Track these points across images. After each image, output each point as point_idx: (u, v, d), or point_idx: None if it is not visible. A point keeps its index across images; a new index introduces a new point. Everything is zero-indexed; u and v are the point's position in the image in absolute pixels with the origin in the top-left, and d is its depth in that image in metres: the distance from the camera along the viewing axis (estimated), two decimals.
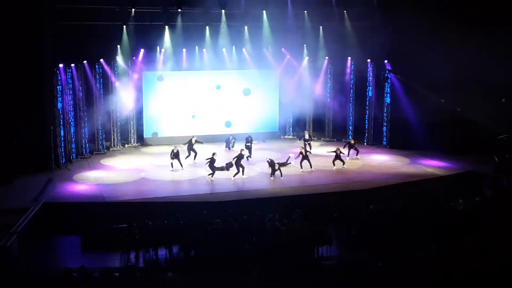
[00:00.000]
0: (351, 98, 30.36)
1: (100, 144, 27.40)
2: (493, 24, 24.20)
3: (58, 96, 24.28)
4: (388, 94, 28.37)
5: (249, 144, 26.13)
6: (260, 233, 16.39)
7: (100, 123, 27.28)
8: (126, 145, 28.53)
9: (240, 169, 22.83)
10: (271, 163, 23.19)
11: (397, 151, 27.37)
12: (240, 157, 23.18)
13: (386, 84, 28.29)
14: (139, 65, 28.07)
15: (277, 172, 22.98)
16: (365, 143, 29.45)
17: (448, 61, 24.53)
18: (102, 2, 25.69)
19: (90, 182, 22.28)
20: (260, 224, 16.98)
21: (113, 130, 28.05)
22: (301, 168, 23.97)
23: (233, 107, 30.00)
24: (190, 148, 25.30)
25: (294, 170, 23.89)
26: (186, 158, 24.84)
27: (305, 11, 28.93)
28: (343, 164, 24.44)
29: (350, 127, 30.41)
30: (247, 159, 25.16)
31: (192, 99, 29.32)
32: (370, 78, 29.31)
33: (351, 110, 30.34)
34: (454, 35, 24.97)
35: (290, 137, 31.23)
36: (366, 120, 29.65)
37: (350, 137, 29.16)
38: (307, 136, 27.19)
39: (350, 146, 26.20)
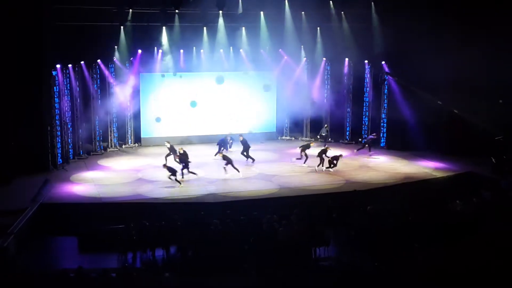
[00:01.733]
0: (348, 99, 30.34)
1: (97, 145, 27.35)
2: (491, 26, 24.22)
3: (56, 96, 24.23)
4: (386, 95, 28.40)
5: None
6: (258, 234, 16.36)
7: (98, 124, 27.23)
8: (123, 146, 28.50)
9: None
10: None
11: (395, 152, 27.38)
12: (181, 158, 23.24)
13: (385, 85, 28.31)
14: (136, 66, 28.03)
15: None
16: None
17: (446, 63, 24.55)
18: (100, 2, 25.62)
19: (87, 182, 22.24)
20: (258, 225, 16.96)
21: (110, 131, 28.03)
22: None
23: (231, 107, 30.00)
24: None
25: (291, 171, 23.98)
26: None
27: (303, 12, 28.93)
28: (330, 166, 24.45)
29: (348, 128, 30.40)
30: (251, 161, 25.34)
31: (189, 100, 29.32)
32: (368, 79, 29.32)
33: (348, 111, 30.34)
34: (452, 36, 24.97)
35: (287, 138, 31.24)
36: (364, 121, 29.67)
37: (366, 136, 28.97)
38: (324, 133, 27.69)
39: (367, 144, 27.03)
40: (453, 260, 13.49)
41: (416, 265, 13.46)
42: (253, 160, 25.29)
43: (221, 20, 28.09)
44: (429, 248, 14.44)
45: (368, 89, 29.39)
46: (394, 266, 13.60)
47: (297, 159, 25.04)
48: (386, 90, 28.47)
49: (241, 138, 25.74)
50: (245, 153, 25.34)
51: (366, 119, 29.63)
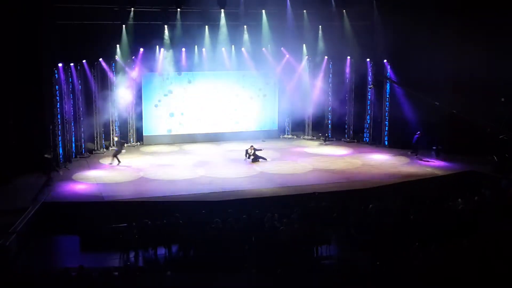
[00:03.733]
0: (350, 98, 30.30)
1: (99, 144, 27.40)
2: (493, 24, 24.19)
3: (57, 95, 24.28)
4: (388, 94, 28.37)
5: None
6: (259, 233, 16.38)
7: (99, 123, 27.28)
8: (125, 145, 28.51)
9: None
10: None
11: (397, 151, 27.36)
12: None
13: (387, 84, 28.30)
14: (138, 65, 28.05)
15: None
16: (366, 142, 29.56)
17: (447, 60, 24.52)
18: (102, 1, 25.65)
19: (89, 181, 22.27)
20: (259, 224, 16.97)
21: (112, 130, 28.06)
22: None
23: (232, 106, 30.06)
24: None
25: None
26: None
27: (304, 11, 28.92)
28: None
29: (351, 126, 30.38)
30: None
31: (191, 99, 29.38)
32: (370, 77, 29.29)
33: (351, 110, 30.31)
34: (454, 35, 24.96)
35: (289, 136, 31.26)
36: (366, 120, 29.65)
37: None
38: None
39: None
40: (453, 259, 13.50)
41: (416, 264, 13.47)
42: (119, 162, 24.82)
43: (222, 19, 28.11)
44: (429, 247, 14.43)
45: (370, 87, 29.32)
46: (395, 265, 13.60)
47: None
48: (388, 88, 28.46)
49: (116, 139, 25.50)
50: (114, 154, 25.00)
51: (368, 117, 29.62)
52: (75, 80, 25.75)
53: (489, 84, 24.66)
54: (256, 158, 25.14)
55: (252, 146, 25.48)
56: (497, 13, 24.18)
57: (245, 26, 28.88)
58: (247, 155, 25.38)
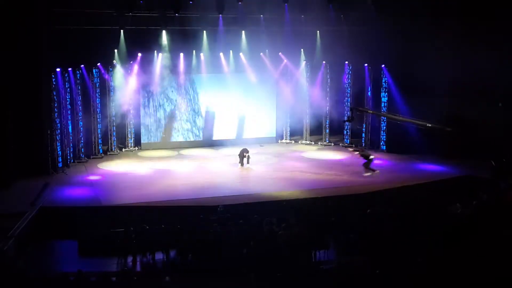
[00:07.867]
0: (348, 103, 30.30)
1: (97, 148, 27.37)
2: (492, 29, 24.20)
3: (55, 100, 24.27)
4: (386, 99, 28.38)
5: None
6: (257, 237, 16.36)
7: (97, 127, 27.26)
8: (123, 149, 28.52)
9: None
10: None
11: (395, 155, 27.37)
12: None
13: (383, 86, 28.32)
14: (136, 69, 28.04)
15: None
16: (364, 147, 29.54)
17: (446, 66, 24.55)
18: (100, 6, 25.66)
19: (87, 186, 22.24)
20: (258, 228, 16.96)
21: (110, 134, 28.05)
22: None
23: (231, 111, 30.06)
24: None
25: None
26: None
27: (302, 16, 28.93)
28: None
29: (348, 131, 30.38)
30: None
31: (189, 104, 29.41)
32: (368, 82, 29.29)
33: (348, 114, 30.28)
34: (452, 39, 25.00)
35: (287, 141, 31.25)
36: (364, 124, 29.66)
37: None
38: None
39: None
40: (453, 263, 13.50)
41: (415, 268, 13.46)
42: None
43: (220, 24, 28.12)
44: (428, 251, 14.44)
45: (368, 92, 29.36)
46: (394, 270, 13.59)
47: None
48: (385, 93, 28.46)
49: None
50: None
51: (366, 121, 29.62)
52: (73, 85, 25.74)
53: (488, 88, 24.65)
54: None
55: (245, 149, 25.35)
56: (497, 17, 24.21)
57: (243, 31, 28.89)
58: (243, 159, 25.20)
